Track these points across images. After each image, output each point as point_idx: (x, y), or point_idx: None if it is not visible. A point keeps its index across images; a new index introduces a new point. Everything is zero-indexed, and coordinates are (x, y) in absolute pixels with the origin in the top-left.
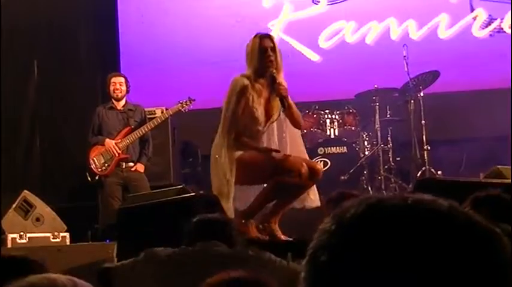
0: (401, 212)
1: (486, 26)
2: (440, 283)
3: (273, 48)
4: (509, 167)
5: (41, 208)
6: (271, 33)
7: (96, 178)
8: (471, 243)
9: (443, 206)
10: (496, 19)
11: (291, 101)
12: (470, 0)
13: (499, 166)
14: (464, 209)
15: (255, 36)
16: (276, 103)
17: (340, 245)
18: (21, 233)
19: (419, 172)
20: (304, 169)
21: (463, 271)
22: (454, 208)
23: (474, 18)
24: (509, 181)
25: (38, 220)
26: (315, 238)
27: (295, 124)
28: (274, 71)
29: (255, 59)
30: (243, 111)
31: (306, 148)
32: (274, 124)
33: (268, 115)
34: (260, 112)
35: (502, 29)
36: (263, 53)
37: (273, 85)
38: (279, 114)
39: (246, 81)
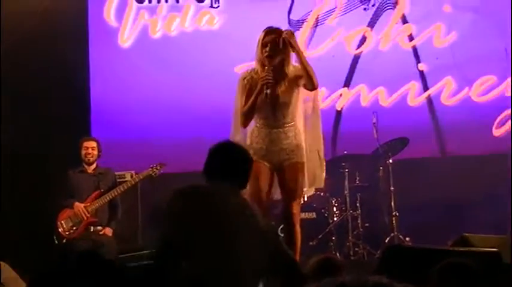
0: None
1: (454, 95)
2: None
3: (275, 42)
4: (476, 235)
5: (7, 271)
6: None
7: (64, 241)
8: None
9: None
10: (464, 88)
11: (304, 60)
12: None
13: (466, 234)
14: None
15: (263, 30)
16: (286, 89)
17: None
18: None
19: (388, 238)
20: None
21: None
22: None
23: (443, 87)
24: (476, 248)
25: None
26: None
27: (308, 84)
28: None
29: (259, 52)
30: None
31: (275, 215)
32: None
33: (274, 97)
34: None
35: (470, 97)
36: (264, 47)
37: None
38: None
39: (247, 75)
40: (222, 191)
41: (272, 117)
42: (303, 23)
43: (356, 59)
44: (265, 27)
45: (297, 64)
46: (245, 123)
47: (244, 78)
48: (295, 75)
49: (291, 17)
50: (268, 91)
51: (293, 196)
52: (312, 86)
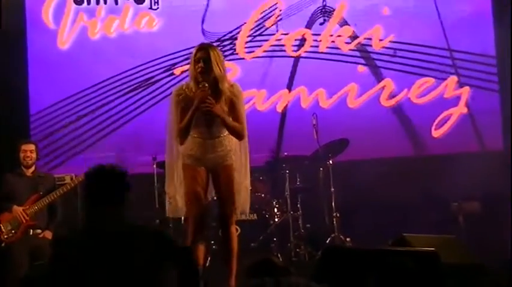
0: None
1: (394, 96)
2: None
3: (207, 59)
4: (415, 235)
5: None
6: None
7: (3, 245)
8: None
9: None
10: (403, 89)
11: (226, 118)
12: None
13: (405, 234)
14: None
15: (196, 46)
16: (220, 106)
17: None
18: None
19: (329, 239)
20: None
21: None
22: None
23: (382, 88)
24: (414, 248)
25: None
26: None
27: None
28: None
29: (192, 68)
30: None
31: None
32: None
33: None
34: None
35: (409, 98)
36: (196, 63)
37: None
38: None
39: (180, 91)
40: (101, 230)
41: (207, 131)
42: (219, 37)
43: (296, 61)
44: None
45: (237, 84)
46: (182, 141)
47: (179, 94)
48: (231, 93)
49: (204, 27)
50: (205, 108)
51: (227, 197)
52: (239, 139)
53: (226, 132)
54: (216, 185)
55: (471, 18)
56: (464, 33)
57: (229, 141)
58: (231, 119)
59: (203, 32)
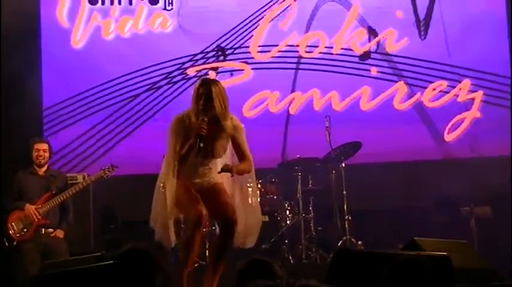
0: None
1: (407, 99)
2: None
3: (209, 96)
4: (426, 239)
5: None
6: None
7: (14, 243)
8: None
9: None
10: (416, 92)
11: (234, 169)
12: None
13: (416, 238)
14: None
15: (199, 81)
16: (221, 143)
17: None
18: None
19: (340, 242)
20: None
21: None
22: None
23: (395, 91)
24: (425, 252)
25: None
26: None
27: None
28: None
29: (194, 103)
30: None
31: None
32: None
33: (211, 152)
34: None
35: (422, 102)
36: (198, 99)
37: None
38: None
39: (182, 119)
40: None
41: (200, 163)
42: (232, 38)
43: (309, 63)
44: (201, 78)
45: (235, 117)
46: (177, 173)
47: (179, 122)
48: (231, 129)
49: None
50: (202, 145)
51: (219, 208)
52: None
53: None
54: (208, 206)
55: (485, 20)
56: (477, 35)
57: (217, 164)
58: (237, 167)
59: (217, 33)
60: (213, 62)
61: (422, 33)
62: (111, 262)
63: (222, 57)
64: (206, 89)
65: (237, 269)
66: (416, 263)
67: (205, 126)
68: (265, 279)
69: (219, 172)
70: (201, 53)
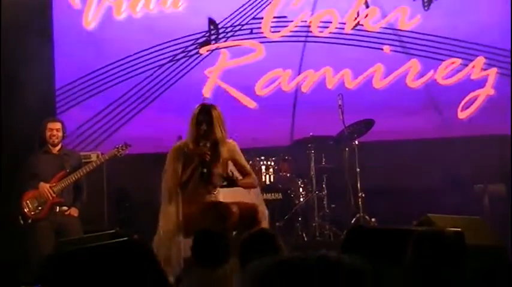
0: (306, 266)
1: (420, 77)
2: None
3: (210, 122)
4: (440, 215)
5: None
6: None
7: (29, 221)
8: None
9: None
10: (429, 70)
11: (237, 183)
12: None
13: (429, 214)
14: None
15: (197, 107)
16: (217, 171)
17: None
18: None
19: (354, 219)
20: (236, 209)
21: None
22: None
23: (408, 69)
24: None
25: None
26: None
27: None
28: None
29: (193, 129)
30: (186, 173)
31: None
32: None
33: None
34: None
35: (436, 79)
36: (198, 125)
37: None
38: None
39: (180, 147)
40: None
41: (203, 186)
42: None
43: (321, 41)
44: (200, 104)
45: (230, 141)
46: (177, 198)
47: (178, 151)
48: (228, 154)
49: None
50: (205, 170)
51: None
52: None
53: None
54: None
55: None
56: (492, 10)
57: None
58: (241, 181)
59: (228, 11)
60: (223, 40)
61: (425, 5)
62: (125, 238)
63: (214, 31)
64: (207, 115)
65: (240, 241)
66: (440, 237)
67: (208, 151)
68: (267, 252)
69: (223, 185)
70: (207, 31)
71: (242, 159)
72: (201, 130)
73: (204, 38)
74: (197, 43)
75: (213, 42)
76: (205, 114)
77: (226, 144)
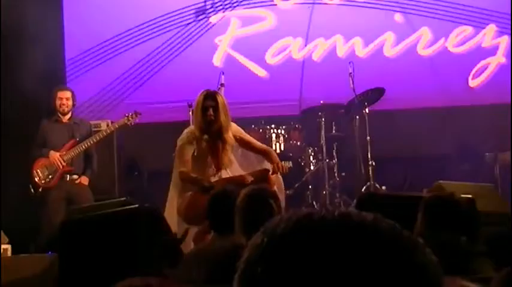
0: (329, 225)
1: (431, 45)
2: None
3: (216, 108)
4: (451, 182)
5: None
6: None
7: (40, 190)
8: (395, 254)
9: (369, 219)
10: (440, 38)
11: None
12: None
13: (441, 181)
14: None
15: (201, 93)
16: (226, 158)
17: (274, 257)
18: None
19: (364, 187)
20: (249, 179)
21: (388, 282)
22: (379, 220)
23: (419, 37)
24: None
25: None
26: (246, 253)
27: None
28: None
29: (199, 116)
30: (193, 160)
31: None
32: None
33: (217, 166)
34: (208, 165)
35: (447, 47)
36: (205, 112)
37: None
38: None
39: (187, 140)
40: None
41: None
42: None
43: (332, 9)
44: (204, 90)
45: (232, 124)
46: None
47: (189, 142)
48: (233, 140)
49: None
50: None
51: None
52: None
53: None
54: None
55: None
56: None
57: None
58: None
59: None
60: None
61: None
62: (136, 205)
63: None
64: (213, 101)
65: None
66: (450, 201)
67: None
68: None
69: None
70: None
71: (249, 137)
72: (208, 116)
73: (214, 6)
74: (207, 11)
75: (223, 10)
76: (211, 100)
77: (230, 129)
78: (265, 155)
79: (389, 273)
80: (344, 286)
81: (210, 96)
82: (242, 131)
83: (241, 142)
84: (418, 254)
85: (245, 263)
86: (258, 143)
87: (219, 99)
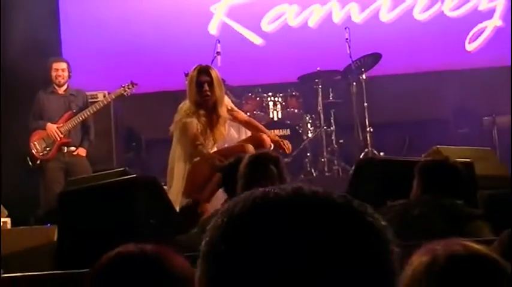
0: (283, 201)
1: (427, 9)
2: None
3: (210, 82)
4: (450, 146)
5: None
6: (211, 67)
7: (38, 162)
8: (347, 219)
9: (320, 191)
10: (436, 2)
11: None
12: None
13: (438, 146)
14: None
15: (194, 69)
16: (219, 131)
17: (234, 237)
18: None
19: (362, 154)
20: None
21: (347, 262)
22: (330, 192)
23: (415, 1)
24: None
25: None
26: (207, 236)
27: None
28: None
29: (193, 92)
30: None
31: None
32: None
33: (214, 140)
34: (207, 138)
35: (443, 11)
36: (199, 87)
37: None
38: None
39: (188, 113)
40: None
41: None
42: None
43: None
44: (196, 65)
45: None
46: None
47: (187, 118)
48: (226, 113)
49: None
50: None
51: None
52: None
53: None
54: None
55: None
56: None
57: None
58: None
59: None
60: None
61: None
62: (134, 175)
63: None
64: (207, 76)
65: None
66: (445, 165)
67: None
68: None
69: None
70: None
71: (238, 112)
72: (204, 92)
73: None
74: None
75: None
76: (205, 75)
77: (224, 103)
78: (252, 128)
79: (343, 237)
80: (304, 254)
81: (204, 71)
82: (231, 104)
83: (236, 119)
84: (368, 217)
85: (208, 245)
86: (247, 118)
87: (213, 73)
